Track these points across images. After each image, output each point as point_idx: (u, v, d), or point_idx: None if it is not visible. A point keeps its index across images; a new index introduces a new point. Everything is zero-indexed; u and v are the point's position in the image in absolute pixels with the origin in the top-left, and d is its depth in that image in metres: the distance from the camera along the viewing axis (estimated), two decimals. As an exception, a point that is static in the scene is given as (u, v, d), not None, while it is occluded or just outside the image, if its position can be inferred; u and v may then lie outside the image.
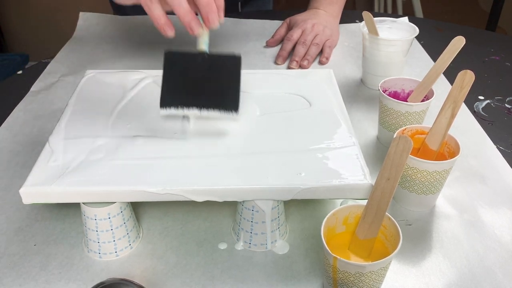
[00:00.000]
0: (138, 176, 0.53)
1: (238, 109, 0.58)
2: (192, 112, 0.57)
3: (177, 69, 0.58)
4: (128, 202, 0.54)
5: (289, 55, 0.94)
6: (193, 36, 0.56)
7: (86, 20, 1.07)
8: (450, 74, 0.72)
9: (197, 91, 0.58)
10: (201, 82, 0.58)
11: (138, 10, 1.10)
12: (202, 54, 0.58)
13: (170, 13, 0.56)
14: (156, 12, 0.54)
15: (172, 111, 0.57)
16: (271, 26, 1.05)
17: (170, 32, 0.55)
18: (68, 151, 0.56)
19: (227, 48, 0.98)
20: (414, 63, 0.93)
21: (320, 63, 0.93)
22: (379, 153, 0.70)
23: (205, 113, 0.57)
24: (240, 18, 1.08)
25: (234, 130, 0.60)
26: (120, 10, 1.13)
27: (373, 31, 0.79)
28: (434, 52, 0.96)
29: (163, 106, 0.57)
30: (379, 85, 0.69)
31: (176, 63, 0.58)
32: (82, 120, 0.62)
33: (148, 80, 0.71)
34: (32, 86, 0.87)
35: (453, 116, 0.57)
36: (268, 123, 0.62)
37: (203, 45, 0.58)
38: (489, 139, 0.73)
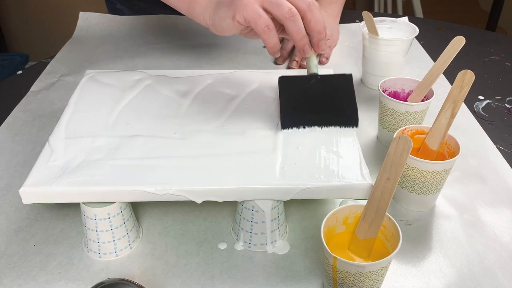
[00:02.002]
0: (138, 176, 0.53)
1: (358, 124, 0.61)
2: (313, 129, 0.60)
3: (292, 91, 0.62)
4: (128, 202, 0.54)
5: (289, 55, 0.94)
6: (304, 57, 0.62)
7: (86, 20, 1.07)
8: (450, 74, 0.72)
9: (315, 110, 0.61)
10: (318, 102, 0.62)
11: (136, 11, 1.11)
12: (314, 75, 0.62)
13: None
14: (273, 41, 0.59)
15: (293, 130, 0.60)
16: (271, 26, 1.05)
17: (278, 55, 0.62)
18: (68, 151, 0.56)
19: (228, 48, 0.98)
20: (414, 63, 0.93)
21: (320, 63, 0.93)
22: (379, 153, 0.70)
23: (326, 129, 0.60)
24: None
25: (234, 130, 0.60)
26: (117, 12, 1.12)
27: (373, 31, 0.79)
28: (434, 52, 0.96)
29: (285, 127, 0.60)
30: (379, 85, 0.69)
31: (291, 86, 0.63)
32: (82, 120, 0.62)
33: (148, 80, 0.71)
34: (32, 86, 0.87)
35: (453, 116, 0.57)
36: (268, 123, 0.62)
37: (315, 68, 0.62)
38: (489, 139, 0.73)
